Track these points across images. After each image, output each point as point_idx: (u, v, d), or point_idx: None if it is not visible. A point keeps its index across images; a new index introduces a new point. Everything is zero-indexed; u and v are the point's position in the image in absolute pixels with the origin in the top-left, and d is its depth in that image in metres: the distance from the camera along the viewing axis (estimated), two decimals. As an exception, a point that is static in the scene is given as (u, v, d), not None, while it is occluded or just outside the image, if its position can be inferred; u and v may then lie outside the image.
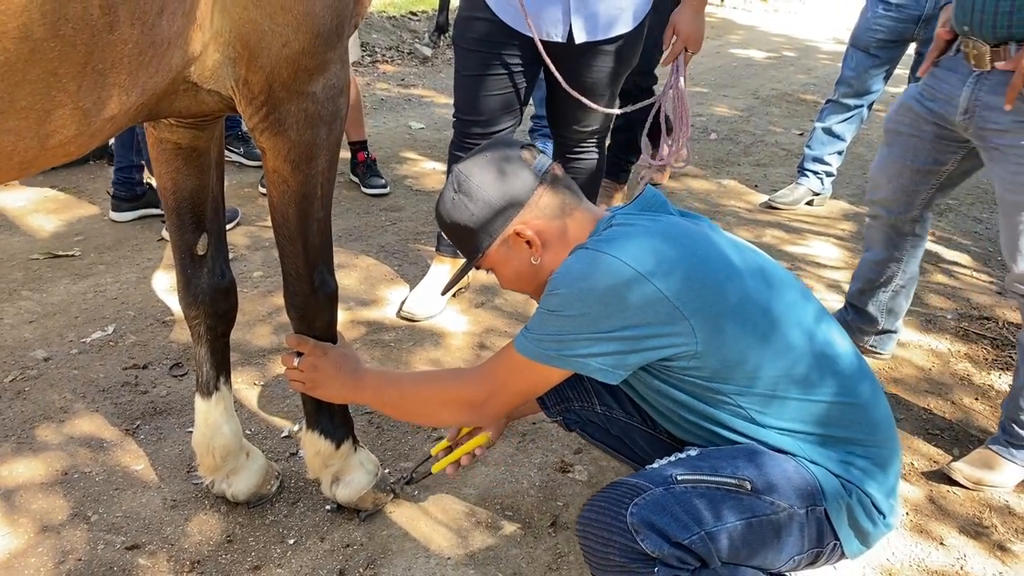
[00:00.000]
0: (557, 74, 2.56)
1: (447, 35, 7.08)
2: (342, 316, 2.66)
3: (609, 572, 1.43)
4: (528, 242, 1.59)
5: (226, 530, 2.03)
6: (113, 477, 2.18)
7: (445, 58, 7.00)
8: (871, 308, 2.78)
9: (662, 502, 1.42)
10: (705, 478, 1.46)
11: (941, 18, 2.34)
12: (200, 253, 1.89)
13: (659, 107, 2.82)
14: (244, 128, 4.32)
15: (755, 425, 1.53)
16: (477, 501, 2.17)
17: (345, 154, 4.02)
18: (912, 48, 3.93)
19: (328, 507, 2.10)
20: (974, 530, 2.18)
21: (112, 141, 3.68)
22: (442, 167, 4.52)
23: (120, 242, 3.50)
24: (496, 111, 2.73)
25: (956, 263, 3.80)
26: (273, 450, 2.31)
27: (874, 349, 2.86)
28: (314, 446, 2.01)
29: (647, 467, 1.55)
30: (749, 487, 1.46)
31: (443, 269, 3.13)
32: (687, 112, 2.80)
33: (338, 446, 2.02)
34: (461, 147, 2.79)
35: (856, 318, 2.84)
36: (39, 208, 3.75)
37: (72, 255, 3.35)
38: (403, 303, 3.08)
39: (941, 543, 2.13)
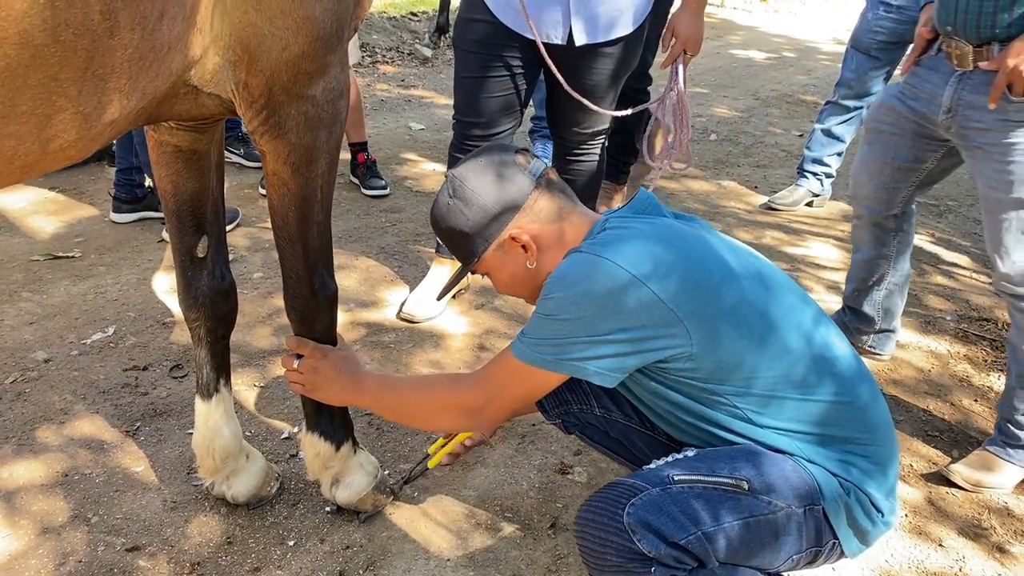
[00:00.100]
0: (559, 76, 2.56)
1: (447, 36, 7.08)
2: (342, 317, 2.66)
3: (606, 572, 1.44)
4: (524, 246, 1.59)
5: (226, 532, 2.03)
6: (113, 479, 2.18)
7: (445, 59, 7.01)
8: (867, 308, 2.79)
9: (659, 502, 1.43)
10: (702, 478, 1.47)
11: (922, 18, 2.38)
12: (200, 255, 1.90)
13: (657, 110, 2.82)
14: (244, 129, 4.31)
15: (752, 425, 1.53)
16: (477, 503, 2.17)
17: (345, 155, 4.02)
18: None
19: (328, 509, 2.10)
20: (973, 532, 2.19)
21: (113, 142, 3.69)
22: (442, 168, 4.52)
23: (120, 243, 3.50)
24: (496, 113, 2.74)
25: (956, 264, 3.81)
26: (273, 452, 2.32)
27: (873, 350, 2.87)
28: (314, 448, 2.02)
29: (644, 468, 1.56)
30: (746, 487, 1.46)
31: (443, 271, 3.13)
32: (687, 114, 2.80)
33: (338, 448, 2.02)
34: (461, 149, 2.79)
35: (853, 319, 2.85)
36: (40, 209, 3.75)
37: (72, 256, 3.36)
38: (403, 305, 3.08)
39: (940, 545, 2.13)
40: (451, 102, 2.95)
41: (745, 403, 1.51)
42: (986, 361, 3.00)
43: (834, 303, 3.27)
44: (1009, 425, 2.32)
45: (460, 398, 1.64)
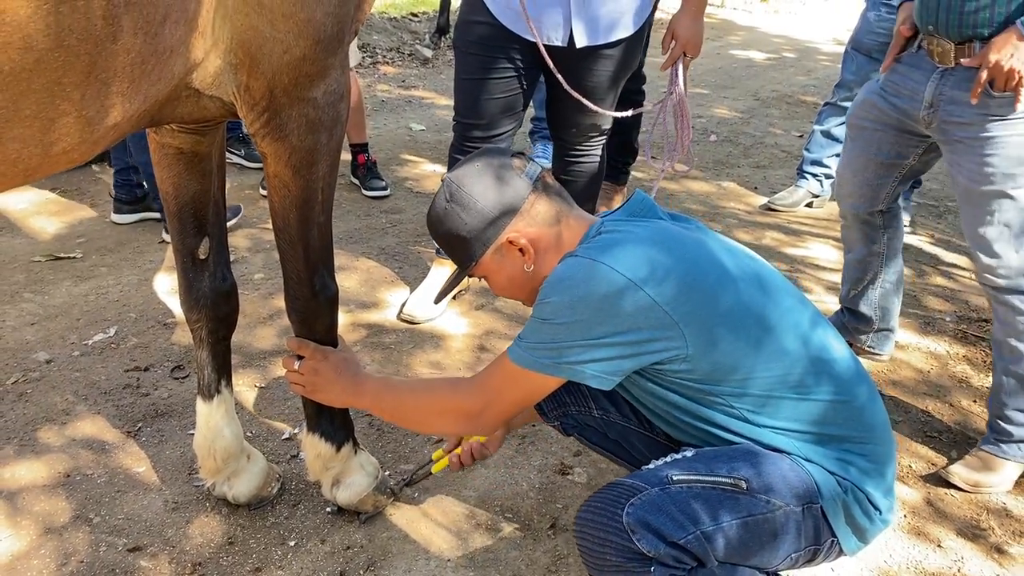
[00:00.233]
0: (560, 77, 2.57)
1: (448, 36, 7.09)
2: (342, 319, 2.67)
3: (606, 572, 1.44)
4: (521, 250, 1.59)
5: (227, 532, 2.04)
6: (115, 479, 2.19)
7: (446, 59, 7.01)
8: (864, 308, 2.81)
9: (658, 502, 1.43)
10: (701, 478, 1.48)
11: (900, 16, 2.41)
12: (202, 257, 1.90)
13: (658, 113, 2.83)
14: (245, 130, 4.33)
15: (750, 425, 1.54)
16: (477, 503, 2.18)
17: (346, 156, 4.03)
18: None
19: (329, 509, 2.11)
20: (972, 532, 2.19)
21: (113, 144, 3.69)
22: (443, 169, 4.53)
23: (122, 244, 3.51)
24: (496, 114, 2.74)
25: (955, 265, 3.81)
26: (274, 452, 2.33)
27: (872, 350, 2.87)
28: (315, 449, 2.02)
29: (643, 468, 1.56)
30: (745, 486, 1.47)
31: (443, 272, 3.14)
32: (688, 117, 2.81)
33: (338, 449, 2.03)
34: (461, 150, 2.80)
35: (852, 319, 2.86)
36: (41, 210, 3.76)
37: (74, 257, 3.37)
38: (403, 306, 3.09)
39: (939, 545, 2.14)
40: (451, 103, 2.95)
41: (742, 403, 1.52)
42: (985, 362, 3.01)
43: (833, 304, 3.27)
44: (999, 421, 2.34)
45: (459, 402, 1.65)
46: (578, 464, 2.34)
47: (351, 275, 3.35)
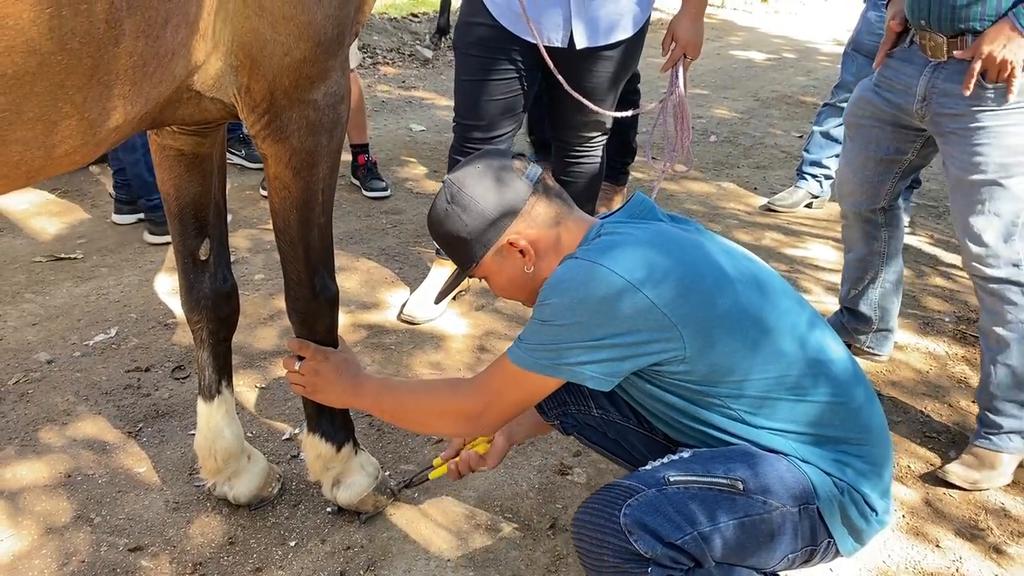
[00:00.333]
0: (560, 78, 2.57)
1: (448, 37, 7.09)
2: (343, 319, 2.67)
3: (603, 573, 1.45)
4: (521, 251, 1.60)
5: (228, 532, 2.04)
6: (116, 479, 2.20)
7: (446, 60, 7.02)
8: (863, 307, 2.81)
9: (655, 503, 1.44)
10: (698, 479, 1.48)
11: (890, 11, 2.43)
12: (202, 258, 1.91)
13: (658, 114, 2.84)
14: (246, 131, 4.33)
15: (747, 426, 1.54)
16: (477, 503, 2.19)
17: (346, 157, 4.04)
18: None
19: (329, 509, 2.12)
20: (970, 532, 2.20)
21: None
22: (443, 170, 4.53)
23: (122, 245, 3.51)
24: (497, 116, 2.75)
25: (954, 266, 3.82)
26: (274, 453, 2.33)
27: (871, 350, 2.88)
28: (315, 449, 2.03)
29: (641, 469, 1.57)
30: (741, 487, 1.48)
31: (443, 272, 3.15)
32: (688, 118, 2.81)
33: (339, 449, 2.04)
34: (461, 151, 2.81)
35: (851, 319, 2.87)
36: (42, 211, 3.77)
37: (75, 258, 3.38)
38: (403, 306, 3.10)
39: (937, 545, 2.15)
40: (452, 104, 2.96)
41: (739, 404, 1.53)
42: (984, 362, 3.02)
43: (833, 304, 3.28)
44: (988, 414, 2.35)
45: (459, 404, 1.65)
46: (578, 464, 2.35)
47: (351, 276, 3.36)
